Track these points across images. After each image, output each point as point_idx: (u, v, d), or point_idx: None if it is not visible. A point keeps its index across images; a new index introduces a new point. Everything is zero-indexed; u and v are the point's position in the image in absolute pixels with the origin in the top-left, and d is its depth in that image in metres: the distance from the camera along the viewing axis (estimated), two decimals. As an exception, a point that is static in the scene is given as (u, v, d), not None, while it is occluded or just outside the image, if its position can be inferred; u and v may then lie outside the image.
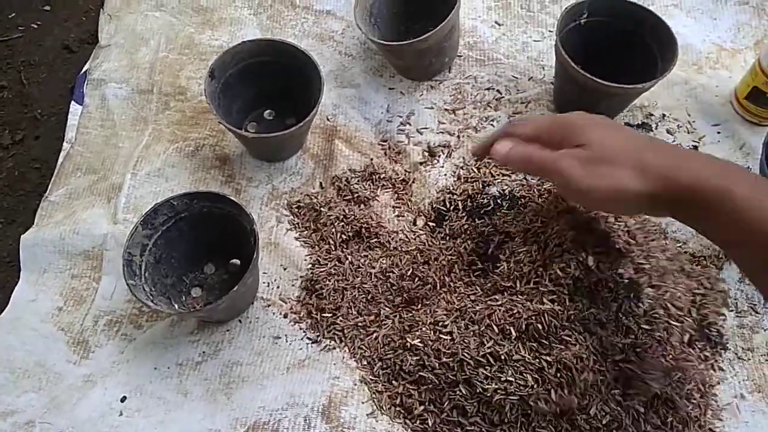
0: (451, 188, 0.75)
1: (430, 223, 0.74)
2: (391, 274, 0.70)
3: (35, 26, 0.96)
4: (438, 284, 0.68)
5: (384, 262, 0.71)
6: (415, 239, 0.73)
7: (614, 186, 0.50)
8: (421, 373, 0.62)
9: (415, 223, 0.74)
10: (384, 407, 0.63)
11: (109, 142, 0.82)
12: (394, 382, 0.63)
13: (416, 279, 0.69)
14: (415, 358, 0.62)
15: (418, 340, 0.62)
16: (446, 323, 0.62)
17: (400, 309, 0.68)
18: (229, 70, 0.75)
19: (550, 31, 0.87)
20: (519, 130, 0.58)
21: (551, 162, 0.54)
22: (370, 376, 0.65)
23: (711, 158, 0.52)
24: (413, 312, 0.66)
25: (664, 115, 0.81)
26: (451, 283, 0.67)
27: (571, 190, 0.53)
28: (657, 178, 0.49)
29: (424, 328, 0.63)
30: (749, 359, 0.65)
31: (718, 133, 0.79)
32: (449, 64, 0.85)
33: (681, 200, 0.49)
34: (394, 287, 0.69)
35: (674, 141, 0.78)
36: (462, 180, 0.76)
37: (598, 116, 0.57)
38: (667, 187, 0.49)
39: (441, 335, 0.62)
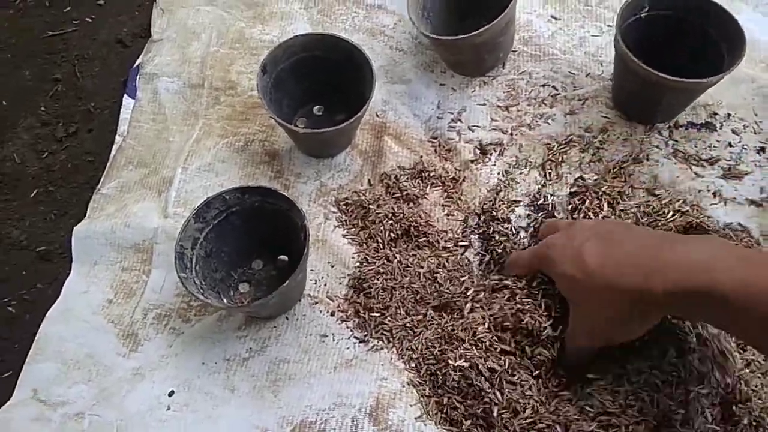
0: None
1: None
2: (437, 275, 0.68)
3: (89, 20, 0.97)
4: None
5: (432, 261, 0.69)
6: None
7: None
8: (465, 386, 0.60)
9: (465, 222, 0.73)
10: (431, 412, 0.61)
11: (160, 135, 0.83)
12: (439, 390, 0.62)
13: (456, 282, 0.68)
14: (458, 374, 0.61)
15: (462, 360, 0.61)
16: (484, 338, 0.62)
17: (441, 312, 0.66)
18: (280, 65, 0.74)
19: (608, 25, 0.84)
20: (517, 273, 0.65)
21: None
22: (418, 380, 0.63)
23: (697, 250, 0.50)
24: (451, 319, 0.65)
25: (729, 115, 0.77)
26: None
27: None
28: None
29: (465, 345, 0.62)
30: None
31: (788, 134, 0.75)
32: (503, 59, 0.82)
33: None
34: (442, 288, 0.67)
35: (740, 141, 0.75)
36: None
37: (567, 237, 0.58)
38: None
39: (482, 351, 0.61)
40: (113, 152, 0.82)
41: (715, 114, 0.77)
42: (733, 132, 0.76)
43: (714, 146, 0.75)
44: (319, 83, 0.78)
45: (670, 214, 0.68)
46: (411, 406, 0.61)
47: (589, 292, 0.54)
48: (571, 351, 0.60)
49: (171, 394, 0.65)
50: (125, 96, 0.86)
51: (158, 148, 0.81)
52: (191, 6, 0.93)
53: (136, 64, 0.89)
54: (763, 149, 0.75)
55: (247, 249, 0.70)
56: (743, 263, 0.46)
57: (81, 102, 0.90)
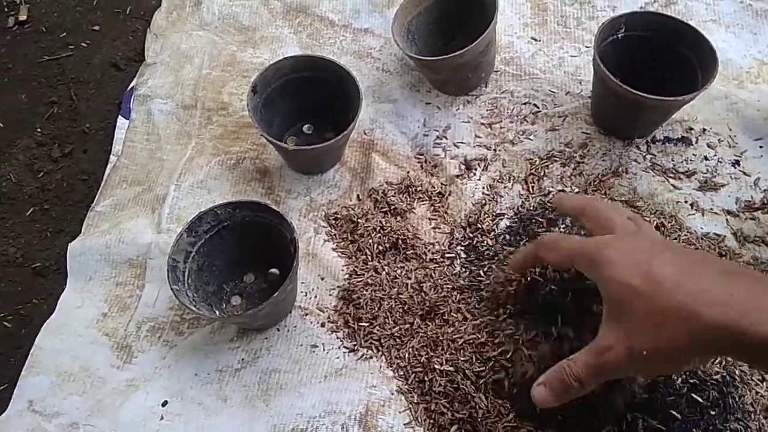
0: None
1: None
2: (424, 285, 0.70)
3: (85, 45, 1.00)
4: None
5: (419, 273, 0.71)
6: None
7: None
8: (451, 391, 0.62)
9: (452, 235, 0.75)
10: (419, 419, 0.63)
11: (154, 155, 0.85)
12: (427, 396, 0.63)
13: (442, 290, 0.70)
14: (445, 379, 0.63)
15: (449, 364, 0.62)
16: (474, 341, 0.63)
17: (426, 320, 0.68)
18: (271, 86, 0.77)
19: (587, 46, 0.87)
20: (549, 258, 0.55)
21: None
22: (406, 387, 0.65)
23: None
24: (436, 326, 0.67)
25: (704, 130, 0.80)
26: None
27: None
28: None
29: (451, 349, 0.64)
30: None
31: (761, 147, 0.78)
32: (486, 79, 0.86)
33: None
34: (427, 297, 0.69)
35: (715, 155, 0.78)
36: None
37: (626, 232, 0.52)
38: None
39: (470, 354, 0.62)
40: (108, 171, 0.84)
41: (691, 129, 0.80)
42: (709, 146, 0.79)
43: (690, 160, 0.78)
44: (309, 103, 0.81)
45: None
46: (400, 412, 0.63)
47: (651, 311, 0.45)
48: (589, 367, 0.49)
49: (164, 404, 0.66)
50: (120, 117, 0.89)
51: (152, 166, 0.84)
52: (184, 31, 0.96)
53: (131, 86, 0.92)
54: (737, 162, 0.78)
55: (239, 262, 0.72)
56: None
57: (76, 123, 0.92)
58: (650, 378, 0.57)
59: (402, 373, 0.65)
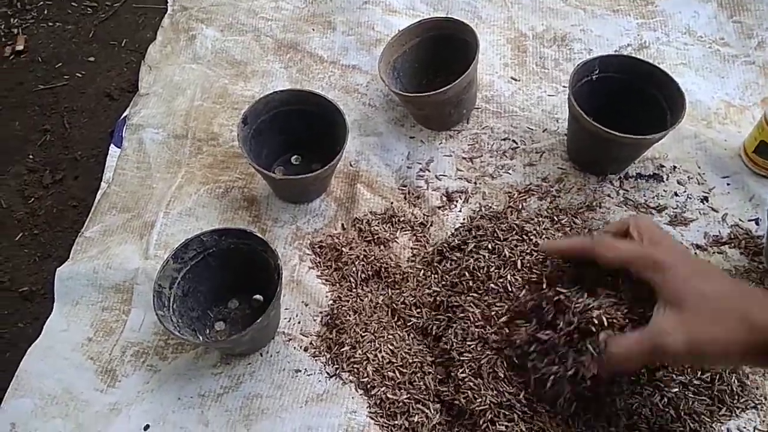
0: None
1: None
2: (404, 308, 0.73)
3: (79, 75, 1.03)
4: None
5: (399, 299, 0.73)
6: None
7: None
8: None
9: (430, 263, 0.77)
10: None
11: (144, 182, 0.87)
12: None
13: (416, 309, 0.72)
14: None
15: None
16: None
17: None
18: (260, 117, 0.80)
19: (563, 86, 0.91)
20: (605, 257, 0.58)
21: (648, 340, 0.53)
22: (379, 411, 0.66)
23: None
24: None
25: (675, 167, 0.83)
26: None
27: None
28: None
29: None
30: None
31: (728, 185, 0.82)
32: (467, 115, 0.89)
33: None
34: (408, 323, 0.71)
35: (685, 191, 0.81)
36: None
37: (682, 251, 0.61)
38: None
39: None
40: (98, 198, 0.86)
41: (662, 166, 0.84)
42: (679, 183, 0.82)
43: (661, 195, 0.81)
44: (297, 135, 0.84)
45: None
46: (378, 437, 0.64)
47: (714, 310, 0.52)
48: (645, 344, 0.54)
49: (146, 428, 0.67)
50: (111, 145, 0.91)
51: (141, 194, 0.86)
52: (177, 64, 0.99)
53: (124, 115, 0.94)
54: (706, 198, 0.81)
55: (224, 289, 0.74)
56: None
57: (68, 151, 0.94)
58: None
59: (379, 400, 0.67)
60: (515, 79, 0.93)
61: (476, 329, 0.66)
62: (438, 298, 0.72)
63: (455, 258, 0.74)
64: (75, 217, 0.87)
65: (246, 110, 0.78)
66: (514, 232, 0.73)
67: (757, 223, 0.78)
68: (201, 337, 0.70)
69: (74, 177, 0.91)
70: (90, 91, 1.01)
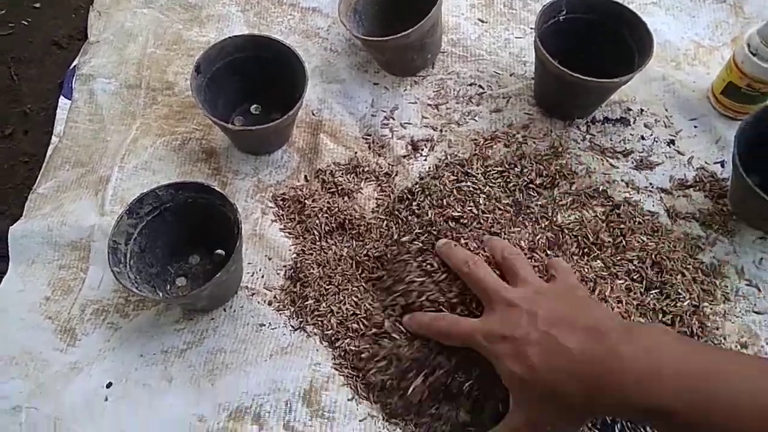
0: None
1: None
2: (367, 260, 0.72)
3: (25, 23, 0.97)
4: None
5: (362, 251, 0.72)
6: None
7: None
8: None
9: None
10: (362, 394, 0.64)
11: (97, 136, 0.83)
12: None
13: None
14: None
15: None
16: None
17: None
18: (215, 65, 0.76)
19: (531, 28, 0.89)
20: (446, 343, 0.60)
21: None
22: (343, 362, 0.66)
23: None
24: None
25: (642, 110, 0.82)
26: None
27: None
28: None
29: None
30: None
31: (695, 127, 0.81)
32: (432, 60, 0.86)
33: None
34: (372, 275, 0.71)
35: (651, 135, 0.80)
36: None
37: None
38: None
39: None
40: (49, 153, 0.82)
41: (629, 110, 0.83)
42: (646, 126, 0.82)
43: (628, 140, 0.80)
44: (255, 83, 0.80)
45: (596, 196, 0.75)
46: (342, 386, 0.64)
47: (537, 395, 0.52)
48: None
49: (109, 385, 0.66)
50: (61, 97, 0.87)
51: (95, 147, 0.82)
52: (128, 9, 0.94)
53: (73, 65, 0.90)
54: (672, 142, 0.80)
55: (183, 244, 0.72)
56: (688, 381, 0.46)
57: (17, 104, 0.89)
58: None
59: (343, 351, 0.66)
60: (482, 21, 0.90)
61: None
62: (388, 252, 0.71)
63: (413, 207, 0.73)
64: (26, 173, 0.83)
65: (199, 57, 0.74)
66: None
67: (722, 166, 0.78)
68: (161, 294, 0.68)
69: (24, 131, 0.87)
70: (37, 39, 0.95)
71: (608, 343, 0.49)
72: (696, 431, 0.46)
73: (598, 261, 0.68)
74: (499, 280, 0.59)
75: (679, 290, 0.67)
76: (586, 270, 0.67)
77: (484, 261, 0.62)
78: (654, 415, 0.47)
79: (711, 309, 0.68)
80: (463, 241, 0.66)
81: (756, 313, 0.68)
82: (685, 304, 0.67)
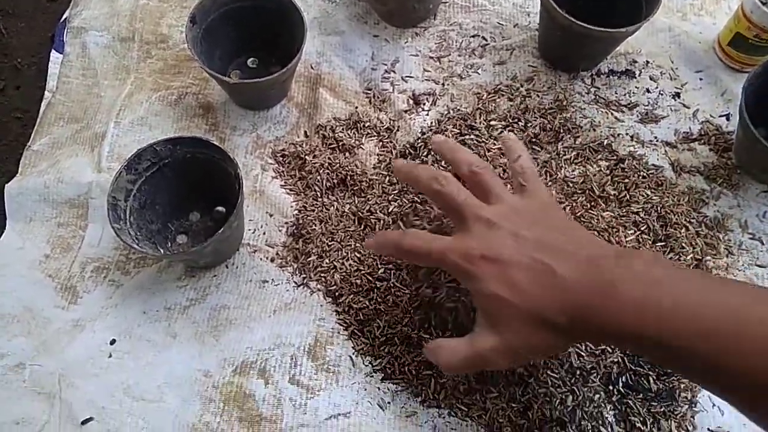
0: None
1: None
2: (369, 216, 0.71)
3: (12, -26, 0.94)
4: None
5: (365, 207, 0.72)
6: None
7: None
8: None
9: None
10: (365, 350, 0.65)
11: (90, 90, 0.81)
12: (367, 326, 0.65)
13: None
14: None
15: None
16: None
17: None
18: (210, 15, 0.74)
19: (535, -23, 0.86)
20: (416, 262, 0.59)
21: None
22: (347, 317, 0.66)
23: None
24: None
25: (647, 62, 0.81)
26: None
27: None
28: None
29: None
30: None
31: (701, 79, 0.80)
32: (434, 10, 0.84)
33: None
34: (374, 230, 0.70)
35: (657, 87, 0.79)
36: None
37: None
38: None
39: None
40: (43, 108, 0.80)
41: (635, 62, 0.81)
42: (651, 79, 0.80)
43: (633, 92, 0.79)
44: (252, 35, 0.78)
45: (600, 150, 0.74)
46: (346, 340, 0.65)
47: (519, 317, 0.49)
48: (467, 359, 0.52)
49: (112, 342, 0.66)
50: (53, 51, 0.84)
51: (89, 103, 0.80)
52: (119, -42, 0.91)
53: (64, 18, 0.87)
54: (678, 95, 0.79)
55: (184, 200, 0.71)
56: (686, 310, 0.45)
57: (7, 59, 0.87)
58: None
59: (346, 307, 0.66)
60: (485, -31, 0.88)
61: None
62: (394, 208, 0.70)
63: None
64: (20, 129, 0.81)
65: (194, 7, 0.72)
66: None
67: (727, 119, 0.77)
68: (162, 250, 0.68)
69: (16, 87, 0.85)
70: (25, -9, 0.92)
71: (603, 271, 0.47)
72: (691, 356, 0.44)
73: (607, 212, 0.67)
74: (472, 196, 0.54)
75: (683, 244, 0.67)
76: (597, 220, 0.66)
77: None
78: (646, 341, 0.45)
79: (714, 263, 0.68)
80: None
81: (759, 266, 0.69)
82: (689, 257, 0.67)
